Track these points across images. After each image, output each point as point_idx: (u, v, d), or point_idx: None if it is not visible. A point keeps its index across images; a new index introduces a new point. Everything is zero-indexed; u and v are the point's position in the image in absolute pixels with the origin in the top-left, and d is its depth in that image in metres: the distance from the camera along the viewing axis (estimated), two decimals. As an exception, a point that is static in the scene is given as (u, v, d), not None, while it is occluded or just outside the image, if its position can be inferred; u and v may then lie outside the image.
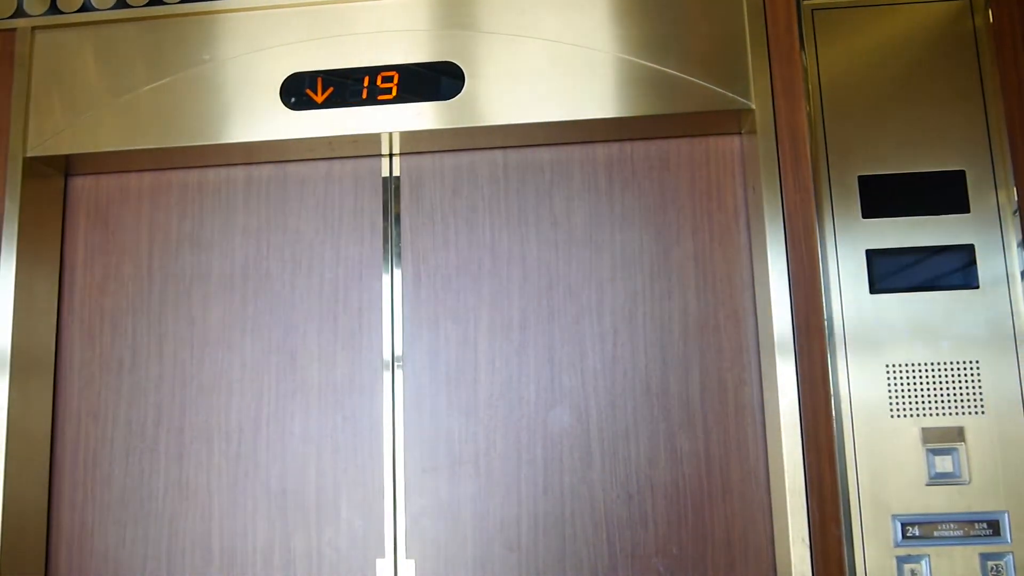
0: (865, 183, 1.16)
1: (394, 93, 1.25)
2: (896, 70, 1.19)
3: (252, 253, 1.34)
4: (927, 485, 1.09)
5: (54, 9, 1.33)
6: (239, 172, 1.37)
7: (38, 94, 1.31)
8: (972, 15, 1.19)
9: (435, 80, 1.25)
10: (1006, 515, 1.07)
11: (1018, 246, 1.13)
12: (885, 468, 1.10)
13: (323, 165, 1.36)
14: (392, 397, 1.28)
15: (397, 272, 1.31)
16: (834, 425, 1.11)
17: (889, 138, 1.17)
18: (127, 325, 1.34)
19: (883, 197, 1.15)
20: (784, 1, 1.22)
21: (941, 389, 1.11)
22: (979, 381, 1.10)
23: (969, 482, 1.08)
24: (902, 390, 1.11)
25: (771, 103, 1.19)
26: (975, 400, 1.10)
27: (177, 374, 1.32)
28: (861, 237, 1.15)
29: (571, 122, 1.23)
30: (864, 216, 1.15)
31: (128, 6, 1.31)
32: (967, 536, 1.07)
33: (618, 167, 1.31)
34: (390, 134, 1.26)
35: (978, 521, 1.08)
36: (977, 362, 1.11)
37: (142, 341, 1.34)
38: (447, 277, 1.30)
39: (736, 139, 1.30)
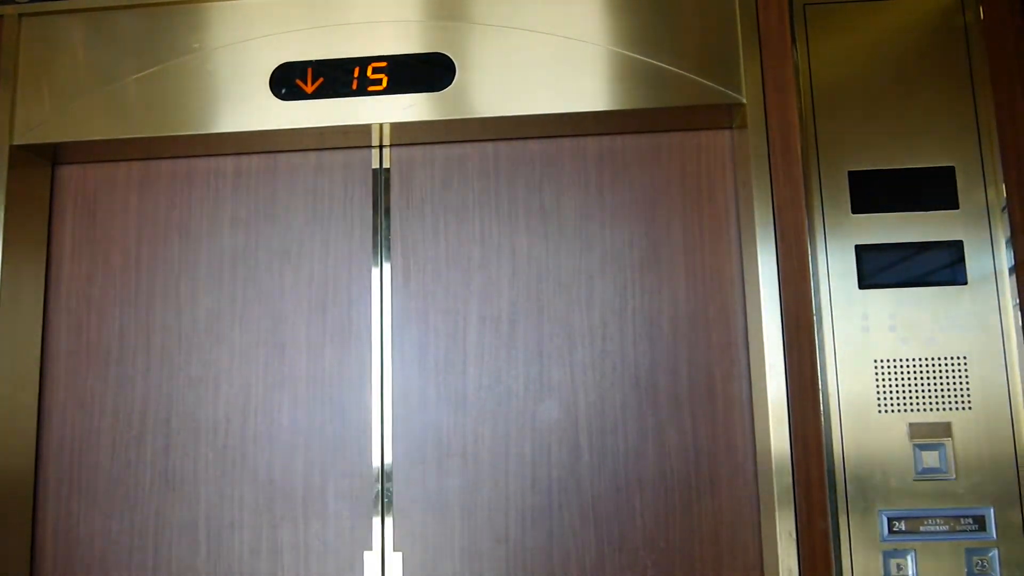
0: (855, 178, 1.16)
1: (384, 84, 1.25)
2: (887, 66, 1.19)
3: (241, 244, 1.34)
4: (914, 480, 1.09)
5: (42, -4, 1.32)
6: (228, 162, 1.36)
7: (25, 82, 1.30)
8: (963, 11, 1.19)
9: (426, 71, 1.25)
10: (991, 511, 1.08)
11: (1006, 242, 1.13)
12: (872, 463, 1.10)
13: (313, 156, 1.35)
14: (380, 389, 1.28)
15: (386, 264, 1.31)
16: (822, 420, 1.11)
17: (879, 134, 1.17)
18: (114, 315, 1.34)
19: (873, 193, 1.15)
20: (776, -5, 1.22)
21: (929, 385, 1.11)
22: (966, 377, 1.11)
23: (955, 478, 1.09)
24: (890, 385, 1.11)
25: (762, 98, 1.19)
26: (962, 396, 1.10)
27: (164, 365, 1.32)
28: (850, 232, 1.15)
29: (562, 115, 1.23)
30: (854, 211, 1.15)
31: (117, -6, 1.31)
32: (953, 531, 1.08)
33: (609, 160, 1.31)
34: (380, 125, 1.26)
35: (964, 516, 1.08)
36: (965, 358, 1.11)
37: (129, 331, 1.33)
38: (436, 269, 1.30)
39: (727, 134, 1.30)
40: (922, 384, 1.11)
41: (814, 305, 1.14)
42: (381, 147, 1.34)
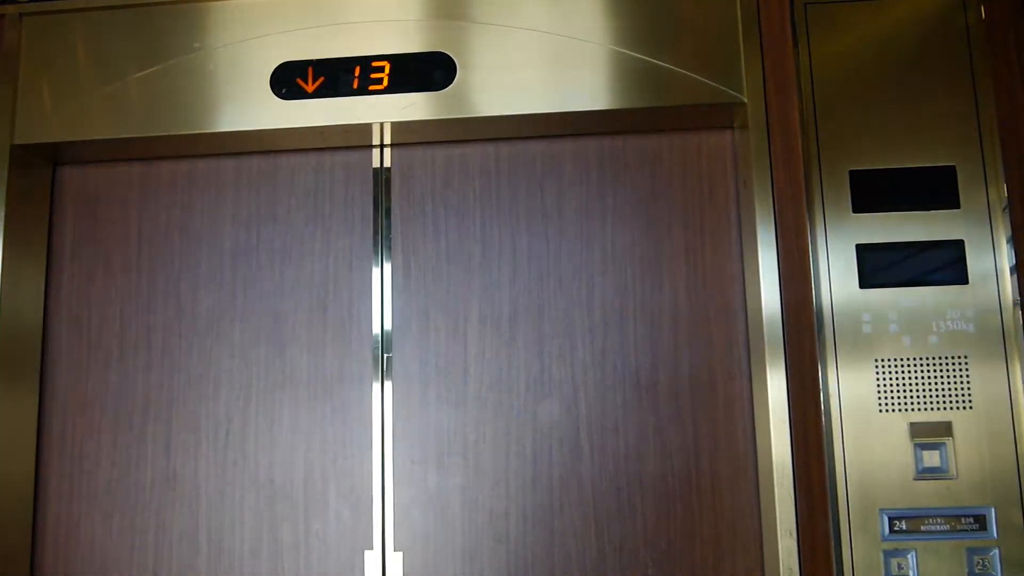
0: (856, 178, 1.16)
1: (385, 83, 1.25)
2: (888, 65, 1.19)
3: (242, 243, 1.34)
4: (915, 480, 1.09)
5: (43, -5, 1.32)
6: (229, 162, 1.36)
7: (26, 81, 1.30)
8: (964, 11, 1.19)
9: (427, 71, 1.25)
10: (992, 510, 1.08)
11: (1007, 242, 1.13)
12: (873, 462, 1.10)
13: (313, 156, 1.35)
14: (381, 388, 1.28)
15: (387, 263, 1.31)
16: (823, 419, 1.11)
17: (880, 133, 1.17)
18: (115, 315, 1.34)
19: (874, 192, 1.15)
20: (777, -5, 1.22)
21: (930, 384, 1.11)
22: (967, 376, 1.11)
23: (956, 477, 1.09)
24: (891, 384, 1.11)
25: (763, 97, 1.19)
26: (963, 395, 1.10)
27: (165, 364, 1.31)
28: (851, 232, 1.15)
29: (563, 114, 1.23)
30: (855, 211, 1.15)
31: (118, -7, 1.31)
32: (954, 531, 1.08)
33: (610, 160, 1.31)
34: (381, 124, 1.26)
35: (965, 516, 1.08)
36: (966, 357, 1.11)
37: (130, 331, 1.33)
38: (437, 269, 1.30)
39: (728, 133, 1.30)
40: (923, 383, 1.11)
41: (815, 304, 1.14)
42: (382, 146, 1.34)
